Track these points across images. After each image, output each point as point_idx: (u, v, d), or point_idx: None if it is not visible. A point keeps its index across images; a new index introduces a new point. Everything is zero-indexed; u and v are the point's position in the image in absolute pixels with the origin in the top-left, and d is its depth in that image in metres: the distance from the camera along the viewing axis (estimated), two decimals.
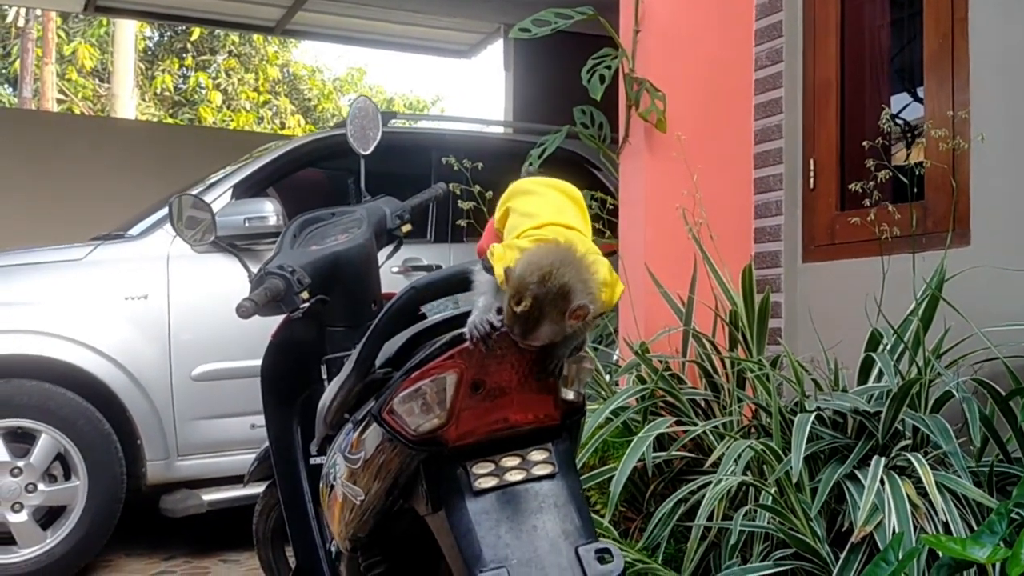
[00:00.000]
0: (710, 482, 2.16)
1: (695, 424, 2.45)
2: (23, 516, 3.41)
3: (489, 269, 1.38)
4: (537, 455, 1.41)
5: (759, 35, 3.15)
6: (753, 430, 2.44)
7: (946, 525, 1.88)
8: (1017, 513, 1.78)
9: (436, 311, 1.61)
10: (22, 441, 3.45)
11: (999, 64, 2.41)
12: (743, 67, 3.15)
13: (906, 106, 3.14)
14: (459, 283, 1.45)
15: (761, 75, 3.13)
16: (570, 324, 1.29)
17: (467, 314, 1.37)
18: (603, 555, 1.34)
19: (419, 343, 1.51)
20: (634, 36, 3.01)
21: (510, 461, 1.39)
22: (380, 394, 1.45)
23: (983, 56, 2.45)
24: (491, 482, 1.37)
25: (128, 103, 13.38)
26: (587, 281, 1.29)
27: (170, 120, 14.73)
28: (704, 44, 3.09)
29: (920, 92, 2.77)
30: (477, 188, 3.01)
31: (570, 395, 1.44)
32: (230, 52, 15.56)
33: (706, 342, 2.68)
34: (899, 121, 3.12)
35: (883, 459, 2.00)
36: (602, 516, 2.29)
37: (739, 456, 2.15)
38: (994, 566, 1.67)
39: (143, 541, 4.09)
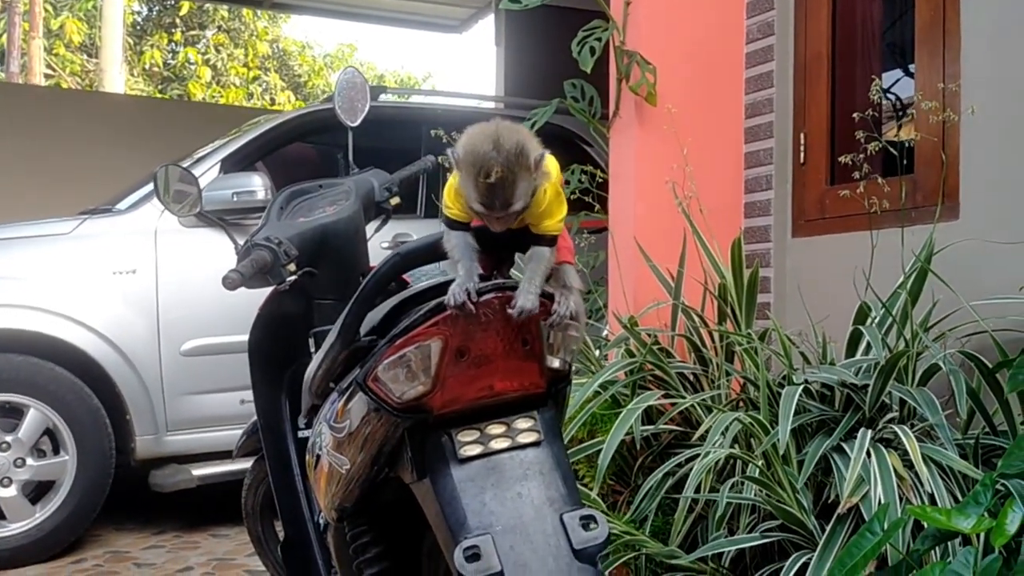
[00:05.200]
0: (698, 455, 2.17)
1: (683, 397, 2.45)
2: (12, 491, 3.41)
3: (450, 223, 1.40)
4: (522, 423, 1.40)
5: (750, 8, 3.12)
6: (741, 403, 2.44)
7: (932, 496, 1.89)
8: (1002, 484, 1.79)
9: (421, 279, 1.60)
10: (10, 416, 3.46)
11: (990, 37, 2.40)
12: (734, 40, 3.13)
13: (897, 81, 3.13)
14: (444, 250, 1.44)
15: (752, 48, 3.11)
16: (534, 177, 1.31)
17: (452, 281, 1.36)
18: (587, 522, 1.34)
19: (404, 311, 1.50)
20: (625, 8, 2.99)
21: (495, 429, 1.39)
22: (365, 362, 1.45)
23: (974, 29, 2.43)
24: (476, 450, 1.37)
25: (116, 78, 13.25)
26: (530, 136, 1.33)
27: (159, 96, 14.61)
28: (695, 17, 3.07)
29: (911, 67, 2.76)
30: None
31: (556, 363, 1.44)
32: (219, 27, 15.43)
33: (695, 316, 2.67)
34: (890, 96, 3.11)
35: (870, 431, 2.01)
36: (590, 489, 2.30)
37: (727, 429, 2.16)
38: (978, 536, 1.68)
39: (133, 516, 4.10)
